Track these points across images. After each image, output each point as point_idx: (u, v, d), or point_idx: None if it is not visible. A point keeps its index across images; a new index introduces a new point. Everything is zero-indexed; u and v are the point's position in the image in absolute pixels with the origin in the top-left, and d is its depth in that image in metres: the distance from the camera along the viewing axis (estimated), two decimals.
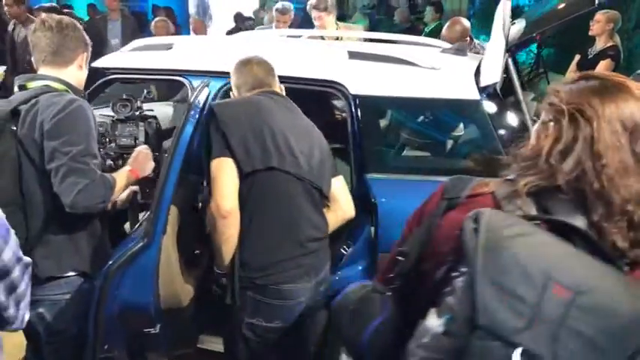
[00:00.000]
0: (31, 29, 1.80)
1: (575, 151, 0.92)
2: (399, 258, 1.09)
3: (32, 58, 1.83)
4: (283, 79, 2.09)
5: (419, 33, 6.17)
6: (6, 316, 1.06)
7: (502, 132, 2.15)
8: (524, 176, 0.97)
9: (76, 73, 1.86)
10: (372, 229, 2.15)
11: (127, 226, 2.62)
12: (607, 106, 0.93)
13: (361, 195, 2.15)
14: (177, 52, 2.59)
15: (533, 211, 0.93)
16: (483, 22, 9.28)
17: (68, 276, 1.74)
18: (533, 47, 8.97)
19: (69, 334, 1.81)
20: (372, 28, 6.88)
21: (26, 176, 1.65)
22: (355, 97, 2.20)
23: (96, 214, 1.78)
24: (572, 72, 4.77)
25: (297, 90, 2.17)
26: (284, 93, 1.97)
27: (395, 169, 2.25)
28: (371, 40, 3.25)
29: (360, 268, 2.20)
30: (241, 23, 7.35)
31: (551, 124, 0.98)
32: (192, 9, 10.83)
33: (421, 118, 2.26)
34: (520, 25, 2.23)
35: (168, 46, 2.64)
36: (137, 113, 2.22)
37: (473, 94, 2.13)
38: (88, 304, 1.84)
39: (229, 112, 1.78)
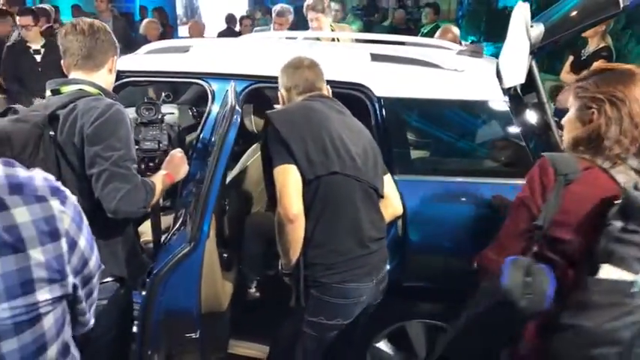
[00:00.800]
0: (62, 33, 1.77)
1: (623, 125, 1.35)
2: (536, 231, 1.38)
3: (62, 62, 1.81)
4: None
5: (414, 34, 6.24)
6: (83, 320, 1.05)
7: (525, 131, 2.20)
8: (602, 152, 1.36)
9: (106, 77, 1.84)
10: (399, 230, 2.18)
11: (142, 228, 2.59)
12: (631, 89, 1.36)
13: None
14: (196, 55, 2.57)
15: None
16: (471, 24, 9.44)
17: (106, 282, 1.72)
18: None
19: (104, 341, 1.79)
20: (364, 29, 6.91)
21: (65, 181, 1.63)
22: (380, 98, 2.22)
23: (131, 219, 1.76)
24: (567, 73, 4.86)
25: None
26: (328, 92, 2.00)
27: (420, 170, 2.27)
28: (373, 42, 3.28)
29: (387, 267, 2.22)
30: (233, 24, 7.30)
31: (592, 110, 1.38)
32: (179, 10, 10.73)
33: (446, 119, 2.29)
34: (539, 27, 2.27)
35: (185, 49, 2.62)
36: (160, 116, 2.20)
37: (498, 95, 2.16)
38: (124, 310, 1.82)
39: (286, 120, 1.80)
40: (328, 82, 2.27)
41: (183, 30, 10.01)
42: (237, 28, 7.31)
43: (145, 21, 5.63)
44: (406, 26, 6.70)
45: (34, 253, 0.81)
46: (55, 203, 0.85)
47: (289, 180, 1.73)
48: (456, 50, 2.81)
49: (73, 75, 1.78)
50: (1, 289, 0.80)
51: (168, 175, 1.85)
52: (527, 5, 2.30)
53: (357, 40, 3.39)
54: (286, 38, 3.43)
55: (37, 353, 0.88)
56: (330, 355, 1.93)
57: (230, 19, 7.62)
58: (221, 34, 7.28)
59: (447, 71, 2.25)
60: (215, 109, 2.42)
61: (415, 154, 2.34)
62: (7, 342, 0.82)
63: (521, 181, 2.10)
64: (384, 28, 7.10)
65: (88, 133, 1.60)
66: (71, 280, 0.91)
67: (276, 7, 4.76)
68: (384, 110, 2.22)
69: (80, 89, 1.72)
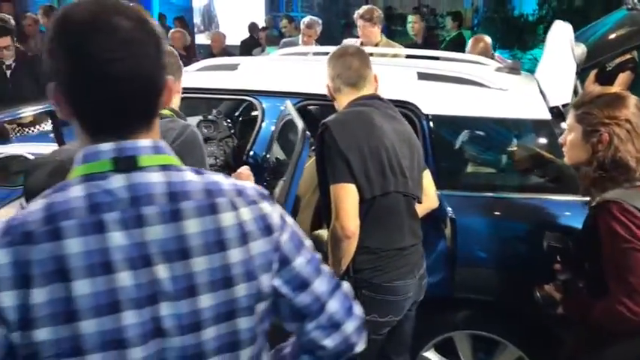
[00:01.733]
0: None
1: (636, 142, 1.57)
2: None
3: None
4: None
5: (436, 43, 6.30)
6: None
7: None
8: (633, 172, 1.57)
9: (175, 98, 1.93)
10: (448, 243, 2.25)
11: None
12: (629, 109, 1.58)
13: (433, 210, 2.25)
14: (245, 73, 2.67)
15: None
16: (487, 32, 9.51)
17: None
18: (538, 55, 9.22)
19: None
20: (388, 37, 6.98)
21: None
22: (427, 116, 2.31)
23: None
24: (592, 83, 4.92)
25: None
26: (378, 83, 2.00)
27: (467, 185, 2.35)
28: (411, 57, 3.36)
29: (435, 280, 2.30)
30: (255, 33, 7.42)
31: (600, 133, 1.59)
32: (197, 18, 10.88)
33: (492, 136, 2.37)
34: (581, 48, 2.35)
35: (234, 67, 2.72)
36: (217, 134, 2.29)
37: (544, 114, 2.24)
38: None
39: (346, 132, 1.82)
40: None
41: (200, 38, 10.14)
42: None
43: (172, 31, 5.75)
44: (428, 35, 6.74)
45: (256, 245, 0.88)
46: (264, 205, 0.92)
47: (348, 199, 1.78)
48: (494, 66, 2.89)
49: None
50: (237, 273, 0.86)
51: None
52: (569, 26, 2.38)
53: (393, 55, 3.47)
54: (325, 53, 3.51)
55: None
56: (384, 354, 2.04)
57: (253, 27, 7.74)
58: (244, 43, 7.41)
59: (492, 90, 2.33)
60: (266, 125, 2.51)
61: (462, 170, 2.42)
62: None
63: (566, 198, 2.23)
64: (404, 37, 7.17)
65: None
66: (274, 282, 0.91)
67: (305, 20, 4.86)
68: (431, 127, 2.30)
69: None
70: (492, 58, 3.97)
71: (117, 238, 0.79)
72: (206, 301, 0.84)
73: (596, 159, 1.61)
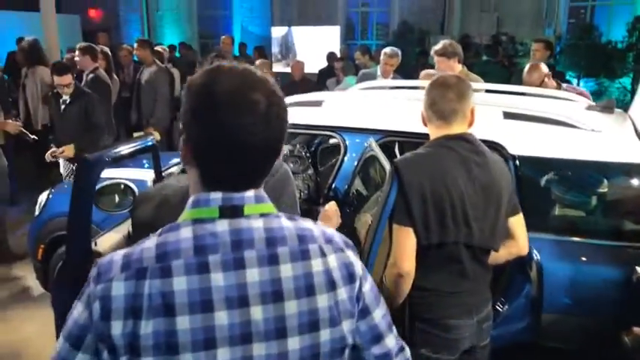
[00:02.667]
0: None
1: None
2: None
3: None
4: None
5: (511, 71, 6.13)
6: None
7: None
8: None
9: None
10: (535, 288, 2.18)
11: None
12: None
13: None
14: (330, 109, 2.76)
15: None
16: (570, 59, 9.14)
17: None
18: (627, 83, 8.73)
19: None
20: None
21: None
22: (515, 157, 2.27)
23: None
24: None
25: None
26: (473, 116, 1.88)
27: (555, 229, 2.27)
28: (493, 92, 3.31)
29: (519, 326, 2.23)
30: (333, 62, 7.60)
31: None
32: (275, 48, 11.31)
33: (584, 180, 2.28)
34: None
35: (319, 103, 2.82)
36: (303, 169, 2.37)
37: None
38: None
39: (412, 177, 1.81)
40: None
41: (278, 67, 10.51)
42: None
43: (258, 62, 6.01)
44: (508, 62, 6.57)
45: (340, 292, 0.92)
46: (350, 253, 0.98)
47: (405, 242, 1.79)
48: (584, 104, 2.80)
49: None
50: (323, 318, 0.89)
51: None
52: None
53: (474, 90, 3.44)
54: (408, 87, 3.55)
55: None
56: None
57: (331, 57, 7.94)
58: (321, 72, 7.62)
59: (583, 131, 2.26)
60: (347, 160, 2.57)
61: (550, 213, 2.34)
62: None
63: None
64: (483, 67, 7.06)
65: None
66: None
67: (387, 50, 4.94)
68: (518, 169, 2.25)
69: None
70: (559, 87, 3.86)
71: (219, 278, 0.85)
72: (294, 343, 0.88)
73: None
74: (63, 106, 4.17)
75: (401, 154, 3.47)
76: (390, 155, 2.75)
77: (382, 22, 11.82)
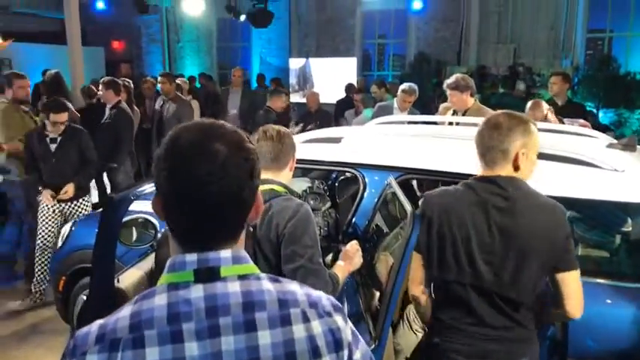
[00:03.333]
0: (255, 138, 2.03)
1: None
2: None
3: None
4: (458, 177, 2.18)
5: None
6: None
7: None
8: None
9: (288, 175, 2.06)
10: (560, 331, 2.14)
11: None
12: None
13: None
14: (349, 146, 2.78)
15: None
16: (589, 90, 9.11)
17: None
18: None
19: None
20: (481, 100, 6.94)
21: None
22: None
23: None
24: None
25: None
26: (518, 160, 1.76)
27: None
28: None
29: None
30: (351, 94, 7.70)
31: None
32: (292, 79, 11.49)
33: (607, 220, 2.26)
34: None
35: (338, 140, 2.85)
36: (322, 206, 2.38)
37: None
38: None
39: (425, 206, 1.87)
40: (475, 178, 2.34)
41: (295, 97, 10.67)
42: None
43: (274, 97, 6.11)
44: (525, 94, 6.56)
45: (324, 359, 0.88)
46: (337, 318, 0.93)
47: (416, 267, 1.89)
48: (605, 141, 2.78)
49: (264, 175, 2.01)
50: None
51: (346, 267, 2.00)
52: None
53: None
54: (423, 123, 3.57)
55: None
56: None
57: (349, 88, 8.05)
58: (339, 102, 7.72)
59: (605, 171, 2.24)
60: (367, 197, 2.58)
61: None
62: None
63: None
64: (500, 98, 7.08)
65: (285, 231, 1.79)
66: None
67: (404, 87, 5.00)
68: None
69: (271, 189, 1.94)
70: (561, 122, 3.86)
71: (193, 347, 0.82)
72: None
73: None
74: (54, 146, 3.97)
75: (420, 191, 3.48)
76: (410, 193, 2.76)
77: (399, 54, 11.95)
